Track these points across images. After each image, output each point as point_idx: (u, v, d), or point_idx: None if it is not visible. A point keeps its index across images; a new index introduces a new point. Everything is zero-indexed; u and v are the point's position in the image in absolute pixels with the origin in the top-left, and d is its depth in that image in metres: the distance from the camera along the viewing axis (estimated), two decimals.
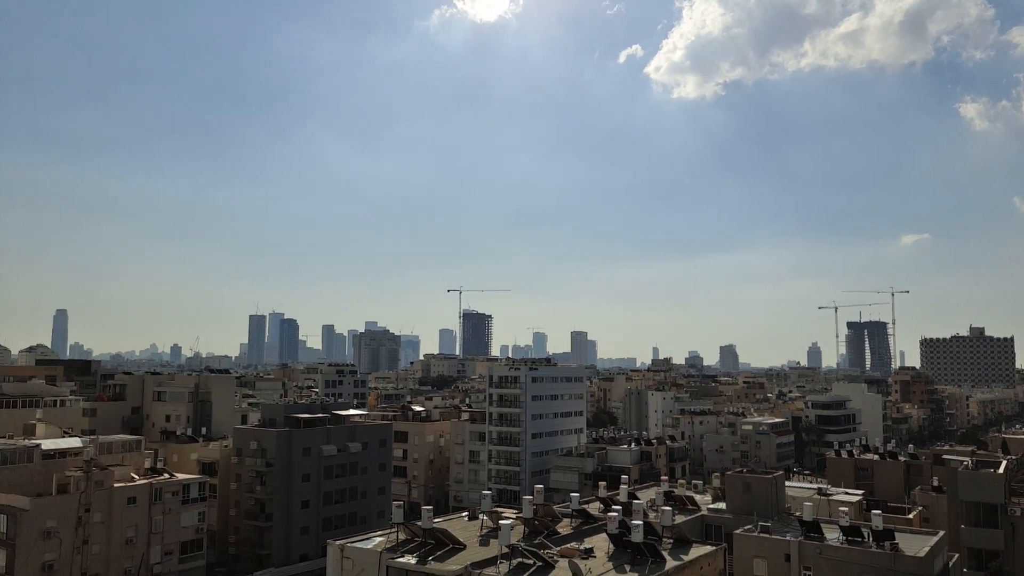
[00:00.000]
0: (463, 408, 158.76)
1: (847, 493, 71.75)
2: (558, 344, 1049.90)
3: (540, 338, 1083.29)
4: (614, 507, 54.81)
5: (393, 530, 48.25)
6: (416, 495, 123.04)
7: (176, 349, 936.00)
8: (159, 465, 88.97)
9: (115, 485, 76.60)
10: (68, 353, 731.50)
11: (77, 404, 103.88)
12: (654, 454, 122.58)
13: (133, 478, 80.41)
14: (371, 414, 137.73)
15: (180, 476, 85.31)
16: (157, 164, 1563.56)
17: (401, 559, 42.84)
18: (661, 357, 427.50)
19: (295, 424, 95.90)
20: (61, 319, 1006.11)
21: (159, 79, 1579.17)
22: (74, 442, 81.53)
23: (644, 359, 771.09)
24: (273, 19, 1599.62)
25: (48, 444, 79.44)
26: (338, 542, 46.76)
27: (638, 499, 59.34)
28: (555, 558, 42.50)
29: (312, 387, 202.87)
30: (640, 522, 45.26)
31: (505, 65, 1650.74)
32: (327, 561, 47.05)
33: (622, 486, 65.99)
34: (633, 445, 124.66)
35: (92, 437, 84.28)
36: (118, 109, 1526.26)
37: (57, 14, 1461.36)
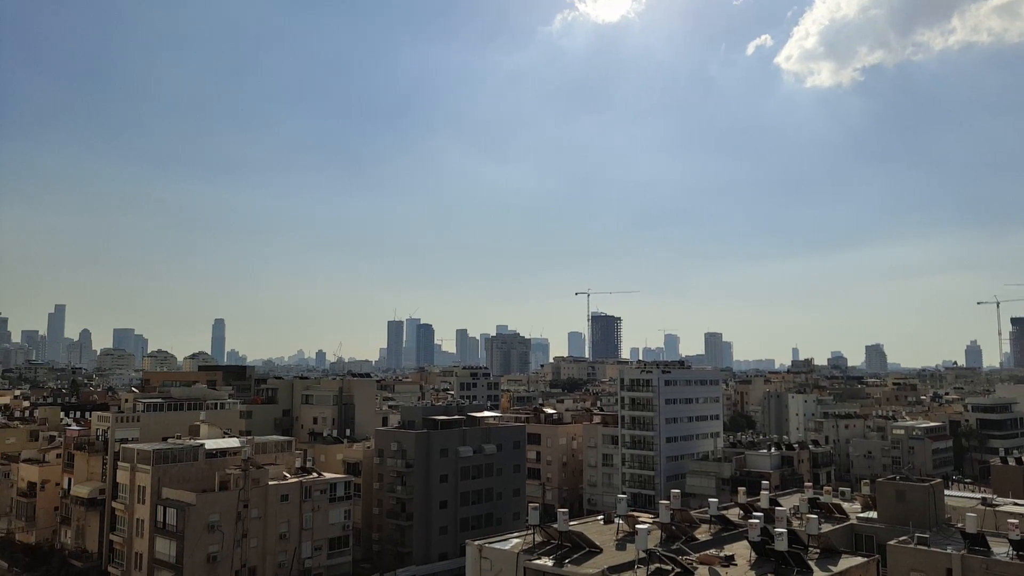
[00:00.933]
0: (594, 411, 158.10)
1: (1016, 504, 66.02)
2: (691, 346, 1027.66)
3: (672, 340, 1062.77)
4: (755, 514, 52.96)
5: (529, 532, 48.70)
6: (550, 497, 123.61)
7: (321, 354, 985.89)
8: (308, 464, 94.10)
9: (270, 483, 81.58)
10: (225, 359, 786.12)
11: (235, 407, 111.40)
12: (796, 459, 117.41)
13: (285, 476, 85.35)
14: (504, 416, 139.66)
15: (327, 475, 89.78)
16: (298, 181, 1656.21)
17: (538, 561, 43.20)
18: (801, 358, 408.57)
19: (433, 426, 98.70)
20: (219, 328, 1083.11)
21: (297, 100, 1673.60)
22: (233, 442, 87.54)
23: (783, 360, 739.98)
24: (399, 36, 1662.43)
25: (211, 444, 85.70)
26: (476, 542, 47.73)
27: (780, 506, 57.06)
28: (694, 564, 41.58)
29: (448, 390, 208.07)
30: (784, 530, 43.54)
31: (628, 65, 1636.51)
32: (466, 561, 48.11)
33: (763, 492, 63.66)
34: (773, 450, 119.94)
35: (248, 438, 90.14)
36: (262, 131, 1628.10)
37: (205, 44, 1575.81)
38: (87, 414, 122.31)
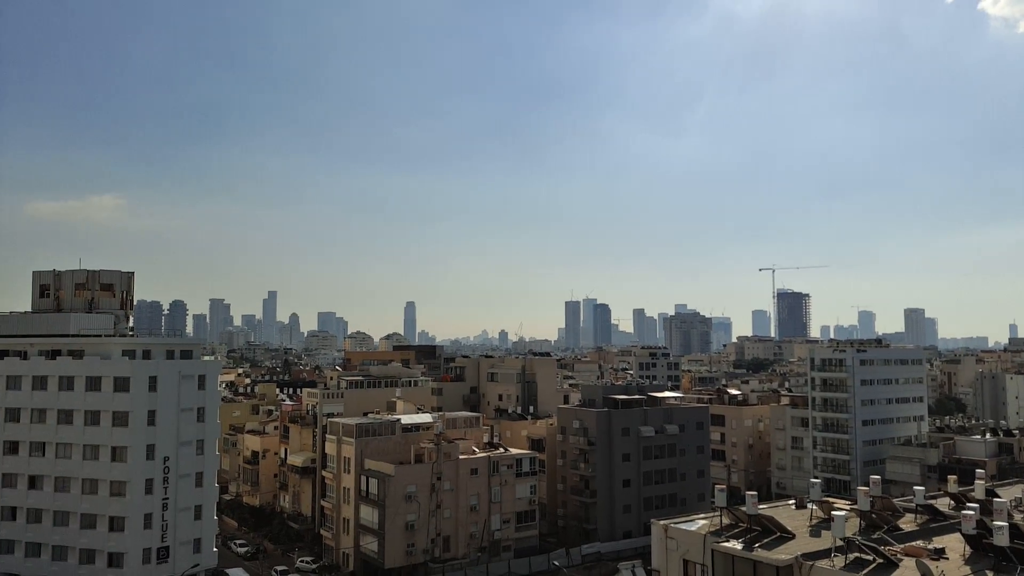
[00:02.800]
0: (782, 392, 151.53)
1: None
2: (888, 323, 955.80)
3: (866, 317, 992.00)
4: (969, 505, 48.81)
5: (716, 514, 47.96)
6: (736, 480, 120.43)
7: (503, 334, 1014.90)
8: (495, 440, 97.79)
9: (460, 457, 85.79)
10: (417, 340, 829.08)
11: (427, 384, 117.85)
12: (1016, 446, 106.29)
13: (474, 451, 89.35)
14: (686, 397, 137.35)
15: (513, 451, 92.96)
16: (475, 166, 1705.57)
17: (726, 543, 42.51)
18: (1021, 335, 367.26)
19: (613, 405, 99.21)
20: (411, 310, 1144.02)
21: (468, 87, 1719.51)
22: (426, 418, 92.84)
23: (998, 338, 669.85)
24: (566, 14, 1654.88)
25: (406, 419, 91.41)
26: (662, 521, 47.70)
27: (999, 497, 52.16)
28: (899, 556, 39.16)
29: (627, 369, 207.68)
30: (1004, 523, 39.87)
31: (808, 25, 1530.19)
32: (652, 540, 48.23)
33: (977, 481, 58.44)
34: (988, 435, 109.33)
35: (440, 413, 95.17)
36: (440, 119, 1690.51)
37: (380, 38, 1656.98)
38: (298, 390, 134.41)
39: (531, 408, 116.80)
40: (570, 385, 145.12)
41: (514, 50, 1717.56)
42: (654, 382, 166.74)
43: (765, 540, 42.79)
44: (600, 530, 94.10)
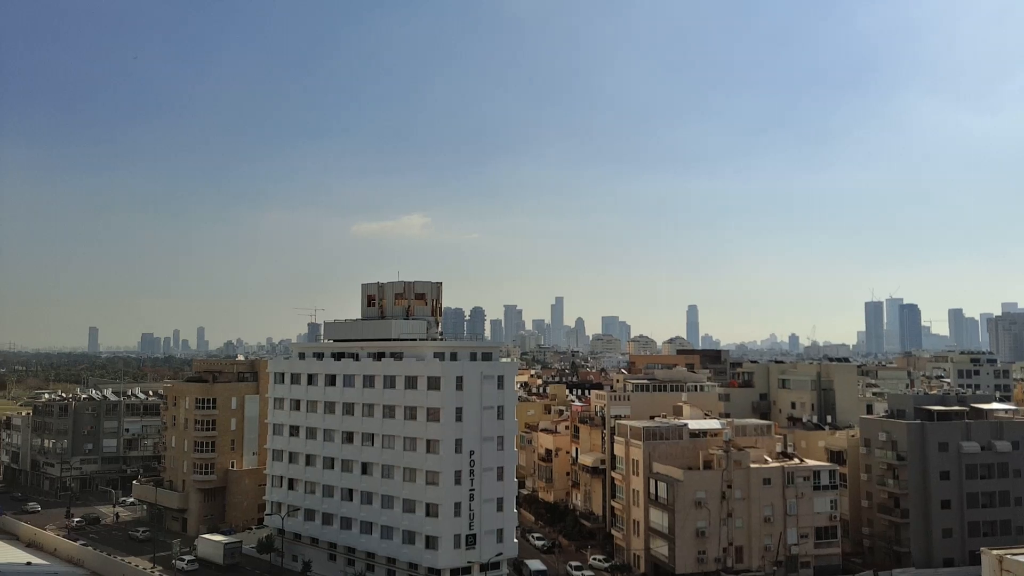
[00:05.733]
0: None
1: None
2: None
3: None
4: None
5: None
6: None
7: (793, 338, 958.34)
8: (788, 450, 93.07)
9: (751, 465, 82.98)
10: (700, 344, 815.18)
11: (713, 389, 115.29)
12: None
13: (766, 460, 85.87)
14: (1020, 410, 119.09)
15: (810, 462, 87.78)
16: (755, 163, 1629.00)
17: None
18: None
19: (927, 416, 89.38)
20: (693, 313, 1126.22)
21: (743, 82, 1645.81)
22: (713, 423, 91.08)
23: None
24: None
25: (693, 424, 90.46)
26: (995, 551, 42.28)
27: None
28: None
29: (942, 377, 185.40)
30: None
31: None
32: (983, 571, 42.94)
33: None
34: None
35: (728, 419, 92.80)
36: (712, 118, 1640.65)
37: (647, 44, 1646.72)
38: (586, 392, 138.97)
39: (828, 417, 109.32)
40: (873, 394, 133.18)
41: (788, 39, 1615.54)
42: (977, 392, 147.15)
43: None
44: (914, 554, 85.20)
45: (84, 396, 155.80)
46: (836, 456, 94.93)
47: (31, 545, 76.47)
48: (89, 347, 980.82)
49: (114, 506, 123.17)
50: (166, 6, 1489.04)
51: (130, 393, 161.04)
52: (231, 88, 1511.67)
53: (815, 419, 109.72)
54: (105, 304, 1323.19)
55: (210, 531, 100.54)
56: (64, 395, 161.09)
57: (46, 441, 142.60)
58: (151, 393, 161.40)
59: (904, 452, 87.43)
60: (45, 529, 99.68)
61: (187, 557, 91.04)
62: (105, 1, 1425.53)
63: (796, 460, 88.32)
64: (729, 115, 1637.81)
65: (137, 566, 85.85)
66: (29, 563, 67.38)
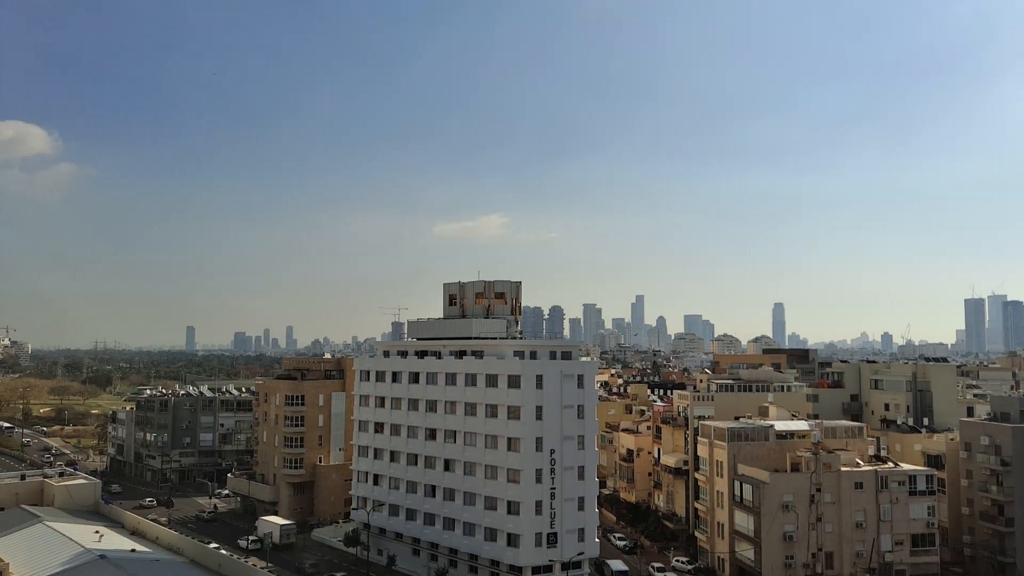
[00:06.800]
0: None
1: None
2: None
3: None
4: None
5: None
6: None
7: (886, 337, 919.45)
8: (881, 453, 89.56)
9: (842, 469, 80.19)
10: (786, 343, 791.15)
11: (801, 390, 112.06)
12: None
13: (858, 464, 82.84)
14: None
15: (905, 466, 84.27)
16: (841, 158, 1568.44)
17: None
18: None
19: None
20: (779, 311, 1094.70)
21: (825, 73, 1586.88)
22: (801, 425, 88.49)
23: None
24: None
25: (780, 425, 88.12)
26: None
27: None
28: None
29: None
30: None
31: None
32: None
33: None
34: None
35: (817, 421, 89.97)
36: (793, 111, 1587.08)
37: (728, 39, 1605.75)
38: (668, 392, 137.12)
39: (924, 420, 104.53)
40: (974, 395, 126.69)
41: (875, 25, 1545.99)
42: None
43: None
44: (1019, 565, 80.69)
45: (182, 392, 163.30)
46: (934, 460, 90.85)
47: (135, 533, 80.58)
48: (186, 345, 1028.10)
49: (210, 497, 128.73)
50: (256, 19, 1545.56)
51: (224, 390, 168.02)
52: (320, 98, 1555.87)
53: (910, 421, 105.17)
54: (201, 304, 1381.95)
55: (300, 525, 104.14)
56: (164, 391, 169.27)
57: (148, 435, 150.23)
58: (244, 390, 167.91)
59: (1009, 457, 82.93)
60: (148, 517, 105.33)
61: (250, 537, 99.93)
62: (204, 15, 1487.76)
63: (890, 464, 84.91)
64: (813, 107, 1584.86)
65: (232, 555, 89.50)
66: (133, 550, 71.00)
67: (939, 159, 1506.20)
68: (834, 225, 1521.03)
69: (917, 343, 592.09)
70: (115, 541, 72.52)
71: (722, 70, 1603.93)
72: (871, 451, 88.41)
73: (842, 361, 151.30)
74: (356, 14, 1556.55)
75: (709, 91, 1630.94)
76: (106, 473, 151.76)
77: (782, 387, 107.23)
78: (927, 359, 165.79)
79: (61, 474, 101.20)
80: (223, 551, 76.32)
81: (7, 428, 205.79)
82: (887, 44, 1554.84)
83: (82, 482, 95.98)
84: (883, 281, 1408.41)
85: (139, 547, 71.92)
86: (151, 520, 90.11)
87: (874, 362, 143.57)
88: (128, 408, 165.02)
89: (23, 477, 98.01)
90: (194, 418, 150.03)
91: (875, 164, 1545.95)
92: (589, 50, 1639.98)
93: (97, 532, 74.39)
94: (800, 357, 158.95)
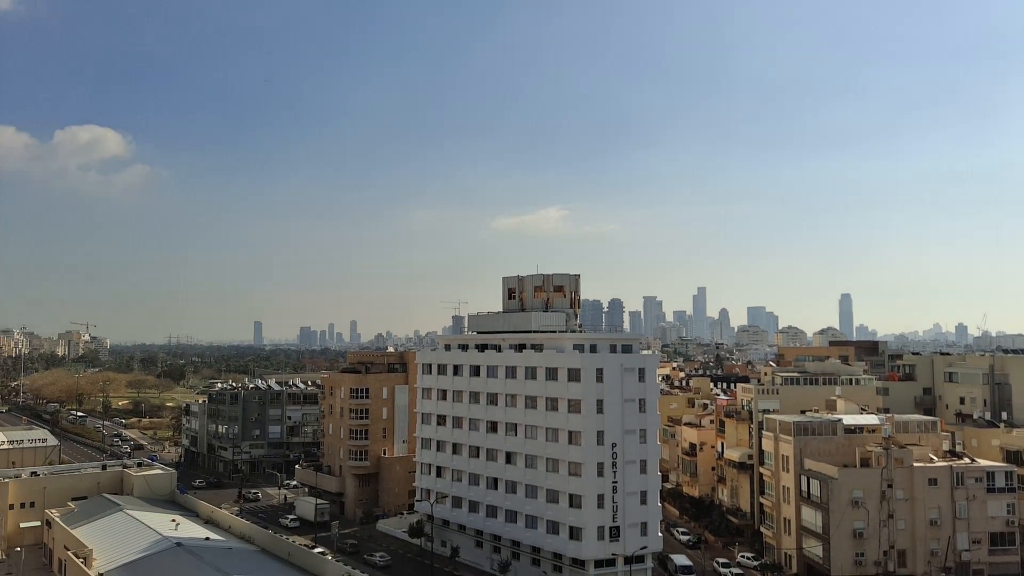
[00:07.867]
0: None
1: None
2: None
3: None
4: None
5: None
6: None
7: (961, 328, 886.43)
8: (956, 448, 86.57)
9: (914, 464, 77.84)
10: (854, 335, 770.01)
11: (870, 383, 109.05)
12: None
13: (932, 459, 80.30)
14: None
15: (982, 462, 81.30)
16: (910, 144, 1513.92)
17: None
18: None
19: None
20: (846, 302, 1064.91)
21: (893, 55, 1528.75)
22: (871, 419, 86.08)
23: None
24: None
25: (848, 419, 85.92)
26: None
27: None
28: None
29: None
30: None
31: None
32: None
33: None
34: None
35: (887, 415, 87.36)
36: (858, 95, 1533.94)
37: (790, 25, 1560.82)
38: (731, 385, 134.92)
39: (1003, 414, 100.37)
40: None
41: (946, 5, 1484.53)
42: None
43: None
44: None
45: (251, 386, 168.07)
46: (1013, 456, 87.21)
47: (209, 522, 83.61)
48: (254, 340, 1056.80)
49: (279, 488, 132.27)
50: (319, 19, 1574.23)
51: (291, 383, 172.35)
52: (379, 96, 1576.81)
53: (987, 416, 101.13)
54: (268, 300, 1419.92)
55: (365, 516, 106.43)
56: (234, 384, 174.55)
57: (220, 427, 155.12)
58: (310, 383, 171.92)
59: None
60: (220, 507, 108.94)
61: (290, 516, 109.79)
62: (266, 16, 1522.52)
63: (966, 460, 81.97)
64: (882, 91, 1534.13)
65: (303, 545, 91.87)
66: (207, 538, 73.65)
67: (1015, 141, 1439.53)
68: (904, 212, 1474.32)
69: (994, 334, 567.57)
70: (190, 529, 75.39)
71: (786, 53, 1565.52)
72: (945, 446, 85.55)
73: (914, 353, 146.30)
74: (412, 11, 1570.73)
75: (772, 76, 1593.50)
76: (180, 464, 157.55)
77: (850, 380, 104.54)
78: (1005, 351, 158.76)
79: (140, 464, 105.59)
80: (290, 540, 78.23)
81: (80, 417, 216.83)
82: (959, 25, 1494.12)
83: (159, 472, 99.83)
84: (956, 270, 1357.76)
85: (213, 535, 74.59)
86: (224, 510, 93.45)
87: (948, 354, 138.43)
88: (200, 401, 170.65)
89: (104, 467, 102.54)
90: (263, 411, 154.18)
91: (947, 149, 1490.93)
92: (646, 38, 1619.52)
93: (173, 520, 77.37)
94: (869, 349, 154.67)
